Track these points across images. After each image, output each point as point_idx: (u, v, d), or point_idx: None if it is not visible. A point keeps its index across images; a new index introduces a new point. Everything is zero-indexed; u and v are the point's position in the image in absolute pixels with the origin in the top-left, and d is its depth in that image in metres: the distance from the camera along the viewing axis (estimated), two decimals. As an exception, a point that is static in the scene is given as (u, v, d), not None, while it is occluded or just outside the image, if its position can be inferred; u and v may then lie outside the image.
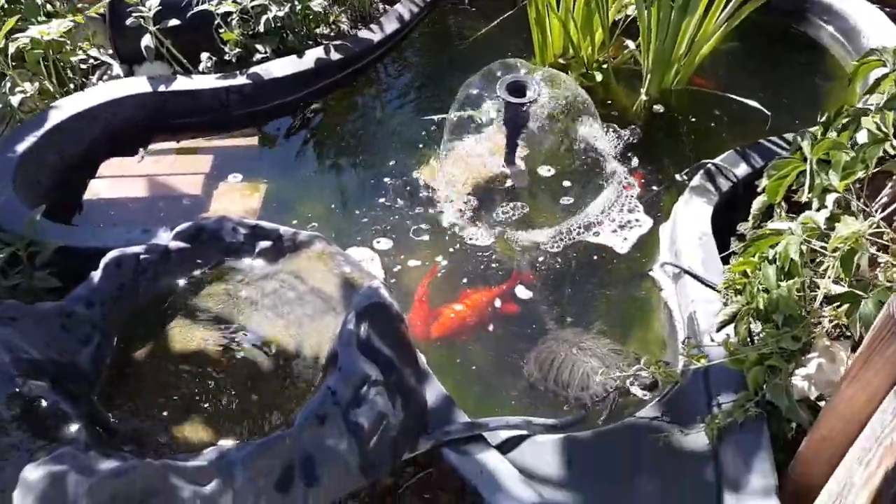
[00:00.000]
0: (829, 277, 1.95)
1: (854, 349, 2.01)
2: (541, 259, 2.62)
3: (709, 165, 2.70)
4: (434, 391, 2.03)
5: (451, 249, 2.65)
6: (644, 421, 1.99)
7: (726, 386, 1.98)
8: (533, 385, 2.24)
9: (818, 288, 1.99)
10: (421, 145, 3.10)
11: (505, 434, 1.99)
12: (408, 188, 2.89)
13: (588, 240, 2.67)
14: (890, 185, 2.27)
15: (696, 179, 2.66)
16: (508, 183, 2.86)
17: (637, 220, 2.72)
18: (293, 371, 2.00)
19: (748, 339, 2.01)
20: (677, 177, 2.86)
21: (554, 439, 1.97)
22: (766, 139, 2.76)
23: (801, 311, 1.92)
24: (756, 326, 2.02)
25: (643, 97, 3.23)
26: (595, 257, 2.62)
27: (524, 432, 1.99)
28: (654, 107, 3.24)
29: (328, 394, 1.77)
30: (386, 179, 2.94)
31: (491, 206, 2.80)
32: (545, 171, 2.93)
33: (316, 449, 1.71)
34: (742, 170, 2.68)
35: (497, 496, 1.76)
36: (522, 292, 2.51)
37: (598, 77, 3.23)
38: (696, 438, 1.90)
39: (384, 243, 2.67)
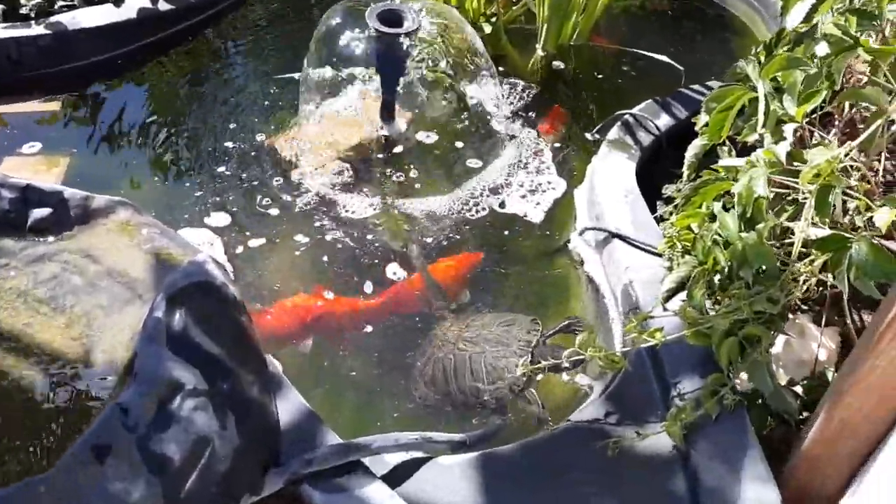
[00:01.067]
0: (804, 220, 1.51)
1: (822, 320, 1.59)
2: (434, 232, 2.07)
3: (626, 117, 2.26)
4: (290, 405, 1.42)
5: (317, 224, 2.07)
6: (584, 425, 1.47)
7: (686, 369, 1.50)
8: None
9: (791, 234, 1.55)
10: (278, 107, 2.50)
11: (395, 458, 1.41)
12: (259, 155, 2.28)
13: (491, 206, 2.16)
14: (847, 114, 1.90)
15: (614, 132, 2.22)
16: (388, 144, 2.31)
17: (549, 184, 2.25)
18: (78, 387, 1.36)
19: (705, 310, 1.54)
20: (588, 135, 2.42)
21: (464, 460, 1.41)
22: (688, 87, 2.37)
23: (777, 262, 1.46)
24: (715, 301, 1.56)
25: (539, 53, 2.79)
26: (500, 228, 2.12)
27: (421, 454, 1.41)
28: (554, 63, 2.80)
29: (114, 415, 1.15)
30: (229, 144, 2.31)
31: (369, 172, 2.25)
32: (432, 131, 2.40)
33: (93, 498, 1.08)
34: (664, 121, 2.26)
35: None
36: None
37: (487, 29, 2.76)
38: (656, 442, 1.39)
39: (221, 219, 2.05)
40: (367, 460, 1.37)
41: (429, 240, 2.07)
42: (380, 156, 2.30)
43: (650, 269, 1.75)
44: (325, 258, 2.00)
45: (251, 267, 1.96)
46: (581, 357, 1.47)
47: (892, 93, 1.72)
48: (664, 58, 2.67)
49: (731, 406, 1.38)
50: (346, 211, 2.14)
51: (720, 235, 1.60)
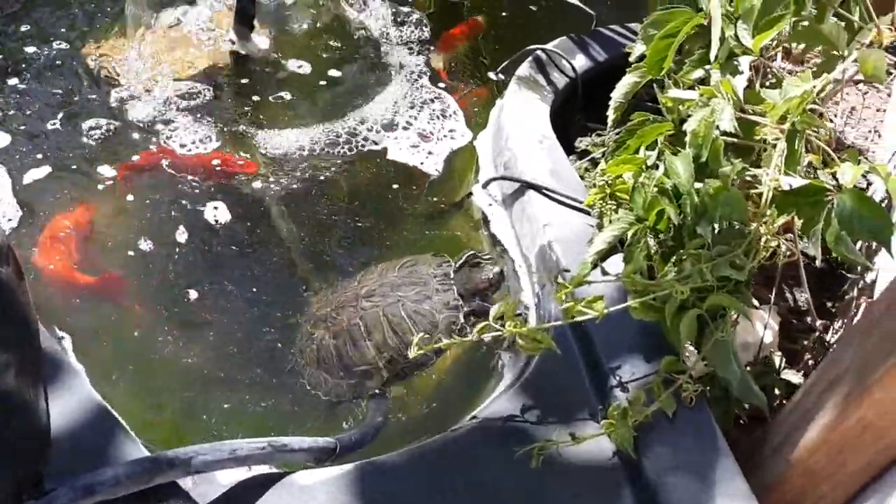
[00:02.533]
0: (774, 167, 1.21)
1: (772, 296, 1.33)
2: (290, 174, 1.64)
3: (538, 53, 1.92)
4: (73, 401, 0.96)
5: (134, 158, 1.58)
6: (495, 424, 1.10)
7: (624, 350, 1.17)
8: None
9: (755, 187, 1.25)
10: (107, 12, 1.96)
11: (231, 477, 0.98)
12: (73, 67, 1.75)
13: (372, 151, 1.75)
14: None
15: (524, 69, 1.87)
16: (242, 64, 1.84)
17: (445, 128, 1.87)
18: None
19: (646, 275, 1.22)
20: (492, 75, 2.06)
21: (332, 477, 1.01)
22: (608, 28, 2.05)
23: (747, 215, 1.16)
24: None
25: (435, -17, 2.39)
26: (381, 178, 1.72)
27: (271, 468, 1.00)
28: (451, -2, 2.42)
29: None
30: (32, 50, 1.76)
31: (214, 96, 1.77)
32: (301, 54, 1.95)
33: None
34: (581, 62, 1.93)
35: None
36: (268, 232, 1.53)
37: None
38: (594, 447, 1.05)
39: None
40: (187, 483, 0.93)
41: (283, 182, 1.63)
42: (231, 78, 1.83)
43: (574, 226, 1.42)
44: (132, 197, 1.53)
45: (40, 203, 1.45)
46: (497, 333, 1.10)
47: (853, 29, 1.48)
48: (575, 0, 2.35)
49: (690, 399, 1.06)
50: (174, 141, 1.66)
51: (666, 185, 1.28)
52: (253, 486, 0.98)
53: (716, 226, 1.17)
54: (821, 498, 0.93)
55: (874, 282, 1.40)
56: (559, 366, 1.19)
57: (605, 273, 1.26)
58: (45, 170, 1.55)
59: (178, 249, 1.49)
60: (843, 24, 1.47)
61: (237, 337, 1.37)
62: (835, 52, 1.48)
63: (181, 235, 1.50)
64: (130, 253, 1.47)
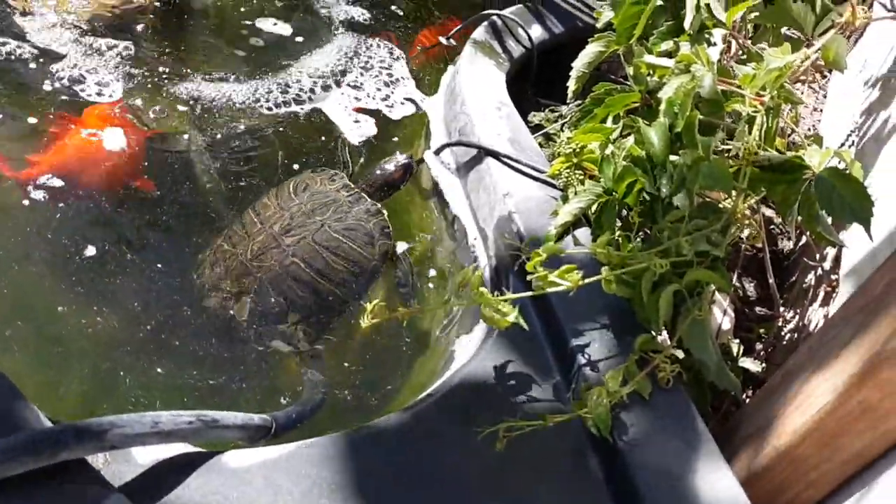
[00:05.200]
0: (752, 140, 1.17)
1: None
2: (222, 131, 1.50)
3: (494, 18, 1.83)
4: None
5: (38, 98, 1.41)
6: (453, 402, 1.01)
7: (588, 327, 1.10)
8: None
9: (730, 160, 1.21)
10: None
11: (150, 456, 0.85)
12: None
13: (308, 109, 1.63)
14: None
15: (480, 33, 1.78)
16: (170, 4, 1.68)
17: (396, 93, 1.75)
18: None
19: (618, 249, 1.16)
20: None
21: (269, 460, 0.89)
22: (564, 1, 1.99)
23: (732, 186, 1.10)
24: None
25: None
26: (319, 138, 1.59)
27: (195, 447, 0.87)
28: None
29: None
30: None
31: (136, 38, 1.60)
32: (242, 5, 1.80)
33: None
34: (538, 32, 1.86)
35: None
36: (183, 188, 1.39)
37: None
38: (563, 431, 0.97)
39: None
40: (97, 461, 0.79)
41: (205, 136, 1.49)
42: (156, 17, 1.66)
43: (536, 197, 1.34)
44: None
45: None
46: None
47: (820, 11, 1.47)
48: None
49: (667, 381, 1.00)
50: (84, 87, 1.49)
51: (638, 155, 1.22)
52: (176, 467, 0.86)
53: (693, 201, 1.12)
54: (808, 486, 0.88)
55: (833, 268, 1.38)
56: (521, 342, 1.11)
57: (577, 244, 1.18)
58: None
59: (80, 204, 1.32)
60: (809, 6, 1.45)
61: (148, 301, 1.22)
62: (800, 37, 1.47)
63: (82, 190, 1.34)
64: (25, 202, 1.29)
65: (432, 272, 1.44)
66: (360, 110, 1.70)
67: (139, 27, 1.68)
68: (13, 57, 1.48)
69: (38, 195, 1.29)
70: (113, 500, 0.75)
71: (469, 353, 1.19)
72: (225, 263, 1.32)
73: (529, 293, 1.05)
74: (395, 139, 1.69)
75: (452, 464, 0.94)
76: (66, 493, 0.75)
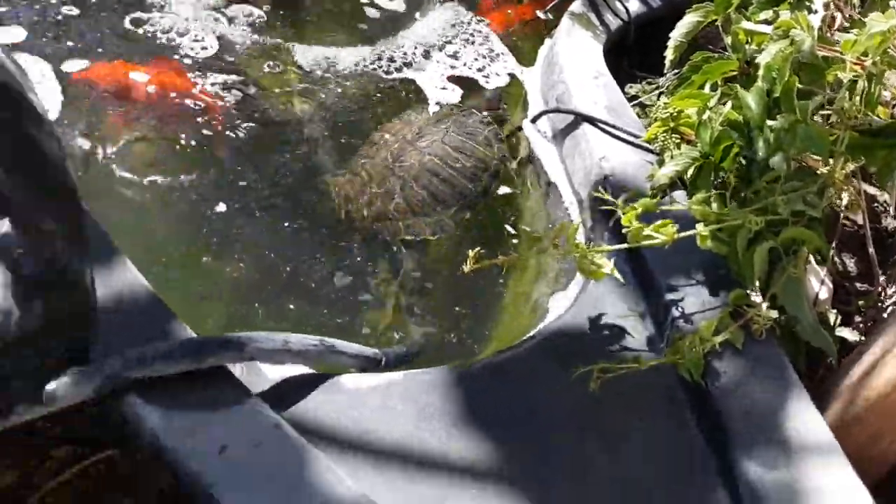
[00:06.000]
0: (853, 105, 1.18)
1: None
2: (331, 94, 1.61)
3: (591, -10, 1.87)
4: (116, 281, 0.93)
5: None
6: (554, 345, 1.08)
7: (683, 282, 1.14)
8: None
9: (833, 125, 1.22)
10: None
11: (276, 374, 0.95)
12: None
13: (408, 78, 1.71)
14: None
15: (577, 5, 1.83)
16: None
17: (494, 66, 1.82)
18: None
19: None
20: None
21: (383, 384, 0.99)
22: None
23: (829, 149, 1.12)
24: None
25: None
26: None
27: (312, 370, 0.97)
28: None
29: None
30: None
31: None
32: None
33: None
34: (635, 6, 1.89)
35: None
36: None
37: None
38: (655, 374, 1.02)
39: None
40: (236, 370, 0.90)
41: (313, 98, 1.60)
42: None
43: (633, 162, 1.38)
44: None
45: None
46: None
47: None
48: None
49: (760, 333, 1.04)
50: (208, 48, 1.62)
51: (735, 120, 1.25)
52: (299, 384, 0.96)
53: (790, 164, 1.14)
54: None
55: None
56: (616, 295, 1.17)
57: (672, 202, 1.22)
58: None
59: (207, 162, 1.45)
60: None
61: (281, 249, 1.34)
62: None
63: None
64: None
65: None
66: (452, 78, 1.77)
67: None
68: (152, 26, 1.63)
69: (170, 157, 1.43)
70: (251, 402, 0.86)
71: (564, 306, 1.25)
72: (366, 171, 1.48)
73: (625, 245, 1.11)
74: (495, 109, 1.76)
75: (548, 401, 1.01)
76: (210, 394, 0.85)
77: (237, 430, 0.81)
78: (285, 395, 0.93)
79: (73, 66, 1.50)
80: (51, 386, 0.77)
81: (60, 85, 1.43)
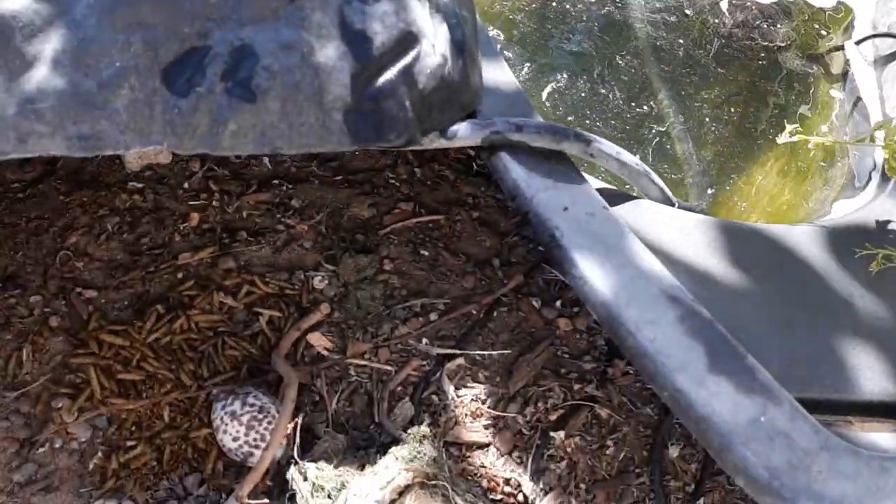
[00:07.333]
0: None
1: None
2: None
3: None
4: (494, 75, 1.14)
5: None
6: (835, 233, 1.18)
7: None
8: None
9: None
10: None
11: (598, 181, 1.14)
12: None
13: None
14: None
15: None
16: None
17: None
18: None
19: None
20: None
21: (695, 217, 1.15)
22: None
23: None
24: None
25: None
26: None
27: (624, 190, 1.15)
28: None
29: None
30: None
31: None
32: None
33: (266, 40, 0.83)
34: None
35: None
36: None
37: None
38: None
39: None
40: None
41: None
42: None
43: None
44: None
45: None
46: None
47: None
48: None
49: None
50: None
51: None
52: (612, 195, 1.13)
53: None
54: None
55: None
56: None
57: None
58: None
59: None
60: None
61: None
62: None
63: None
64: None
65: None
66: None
67: None
68: None
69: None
70: (587, 185, 1.05)
71: (847, 211, 1.33)
72: None
73: None
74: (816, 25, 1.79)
75: (828, 276, 1.12)
76: (559, 169, 1.05)
77: (577, 200, 1.01)
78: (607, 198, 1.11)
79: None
80: (455, 126, 1.01)
81: None
